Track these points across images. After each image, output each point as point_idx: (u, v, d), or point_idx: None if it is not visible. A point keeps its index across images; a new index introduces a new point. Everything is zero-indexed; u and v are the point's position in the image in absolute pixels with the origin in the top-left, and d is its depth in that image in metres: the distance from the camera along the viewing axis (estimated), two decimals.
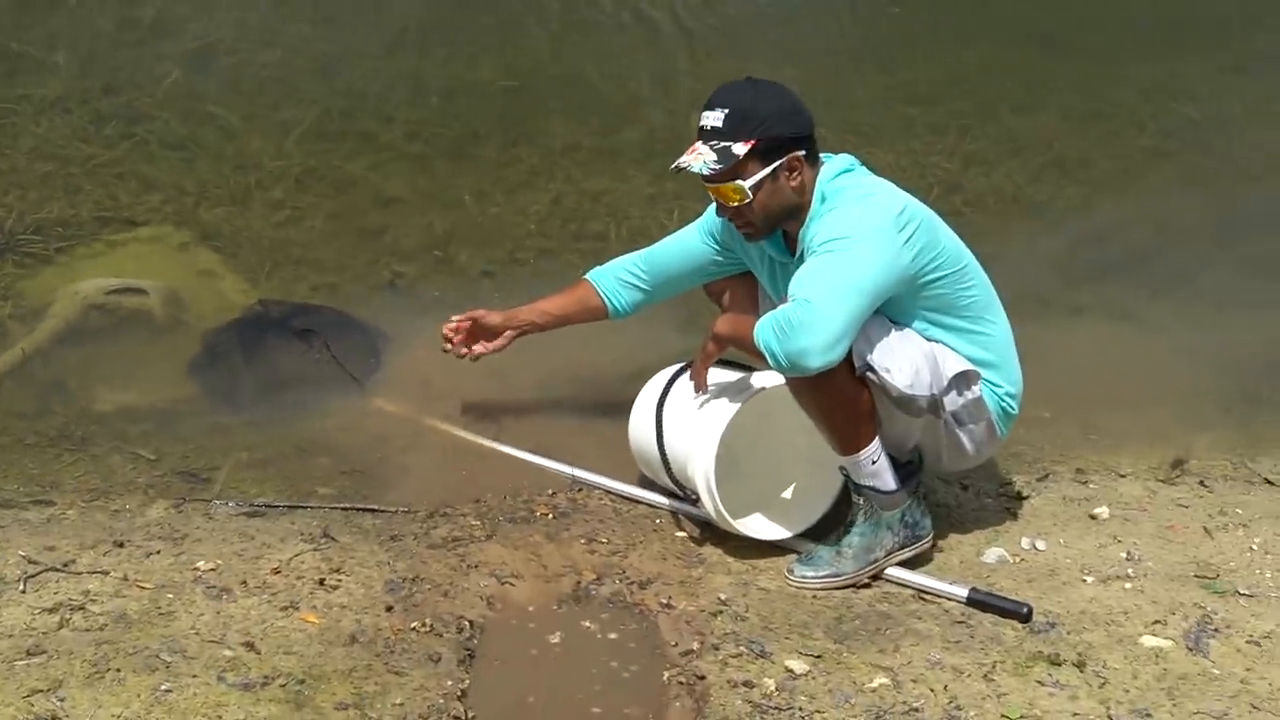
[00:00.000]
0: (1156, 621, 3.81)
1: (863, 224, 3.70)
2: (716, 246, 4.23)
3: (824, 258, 3.66)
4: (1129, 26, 8.66)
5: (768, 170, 3.75)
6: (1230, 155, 7.18)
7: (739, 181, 3.76)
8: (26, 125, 6.91)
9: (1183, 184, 6.81)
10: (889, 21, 8.94)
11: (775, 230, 3.93)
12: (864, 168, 3.92)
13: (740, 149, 3.72)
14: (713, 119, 3.74)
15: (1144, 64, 8.15)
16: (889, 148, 6.91)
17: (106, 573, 3.85)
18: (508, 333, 4.52)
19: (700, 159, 3.74)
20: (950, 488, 4.42)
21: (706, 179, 3.78)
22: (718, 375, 4.23)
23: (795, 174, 3.78)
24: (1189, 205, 6.55)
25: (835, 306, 3.58)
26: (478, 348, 4.52)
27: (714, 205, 4.00)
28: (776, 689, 3.52)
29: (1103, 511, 4.33)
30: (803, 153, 3.79)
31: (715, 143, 3.74)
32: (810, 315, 3.55)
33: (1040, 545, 4.16)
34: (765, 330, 3.60)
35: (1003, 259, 5.38)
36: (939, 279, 3.85)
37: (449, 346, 4.52)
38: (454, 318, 4.53)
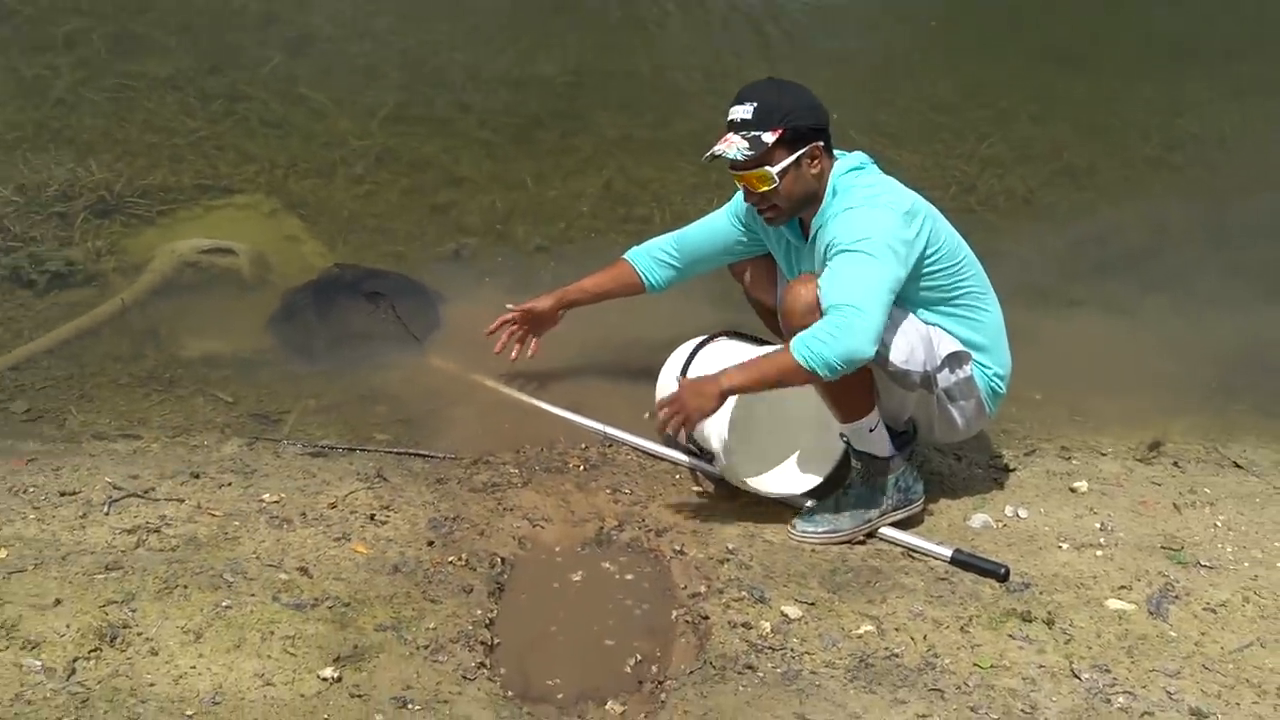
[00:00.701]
0: (1122, 587, 3.79)
1: (879, 225, 3.69)
2: (741, 229, 4.22)
3: (849, 260, 3.65)
4: (1140, 48, 8.55)
5: (792, 158, 3.76)
6: (1227, 169, 7.08)
7: (767, 168, 3.77)
8: (140, 100, 6.95)
9: (1182, 193, 6.73)
10: (927, 35, 8.88)
11: (795, 215, 3.92)
12: (874, 165, 3.90)
13: (769, 137, 3.73)
14: (742, 112, 3.75)
15: (1152, 82, 8.05)
16: (913, 149, 6.86)
17: (182, 500, 3.90)
18: (560, 311, 4.54)
19: (734, 146, 3.76)
20: (944, 457, 4.40)
21: (737, 166, 3.79)
22: (735, 347, 4.24)
23: (816, 162, 3.79)
24: (1186, 213, 6.47)
25: (871, 305, 3.60)
26: (533, 343, 4.57)
27: (740, 192, 3.99)
28: (772, 631, 3.53)
29: (1082, 485, 4.31)
30: (822, 143, 3.79)
31: (746, 132, 3.75)
32: (851, 318, 3.57)
33: (1022, 513, 4.15)
34: (810, 346, 3.59)
35: (1009, 254, 5.38)
36: (939, 269, 3.85)
37: (499, 348, 4.58)
38: (510, 307, 4.54)
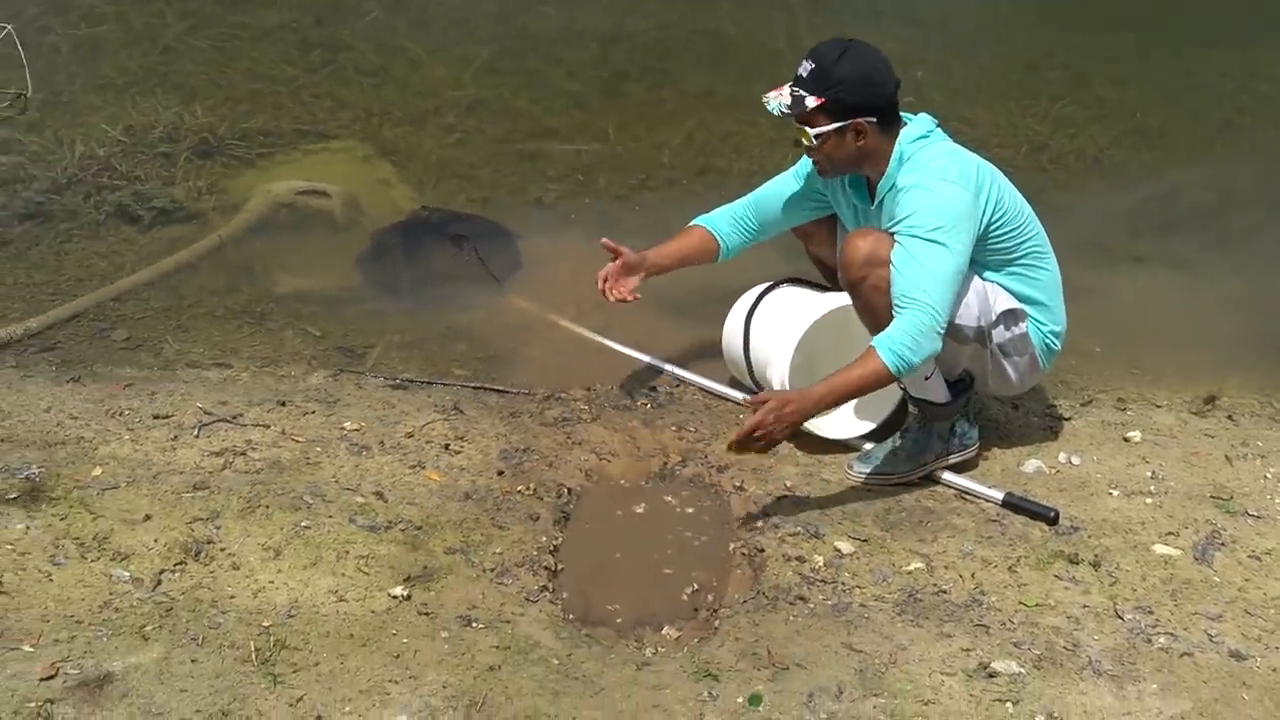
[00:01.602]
0: (1169, 533, 3.75)
1: (953, 209, 3.64)
2: (809, 190, 4.16)
3: (925, 251, 3.60)
4: (1217, 13, 8.37)
5: (833, 127, 3.70)
6: None
7: (807, 128, 3.73)
8: (244, 49, 7.04)
9: (1250, 155, 6.58)
10: (1009, 2, 8.77)
11: (843, 174, 3.90)
12: (939, 130, 3.83)
13: (811, 101, 3.68)
14: (802, 68, 3.70)
15: (1226, 47, 7.88)
16: (986, 106, 6.78)
17: (268, 426, 3.96)
18: (642, 274, 4.30)
19: (779, 99, 3.73)
20: (1001, 406, 4.36)
21: (781, 115, 3.75)
22: (799, 293, 4.23)
23: (861, 136, 3.72)
24: (1253, 175, 6.33)
25: (945, 304, 3.61)
26: (623, 292, 4.25)
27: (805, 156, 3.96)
28: (824, 564, 3.54)
29: (1136, 435, 4.25)
30: (873, 119, 3.71)
31: (795, 90, 3.71)
32: (929, 321, 3.57)
33: (1075, 461, 4.10)
34: (900, 355, 3.56)
35: (1077, 211, 5.33)
36: (1004, 233, 3.79)
37: (604, 293, 4.29)
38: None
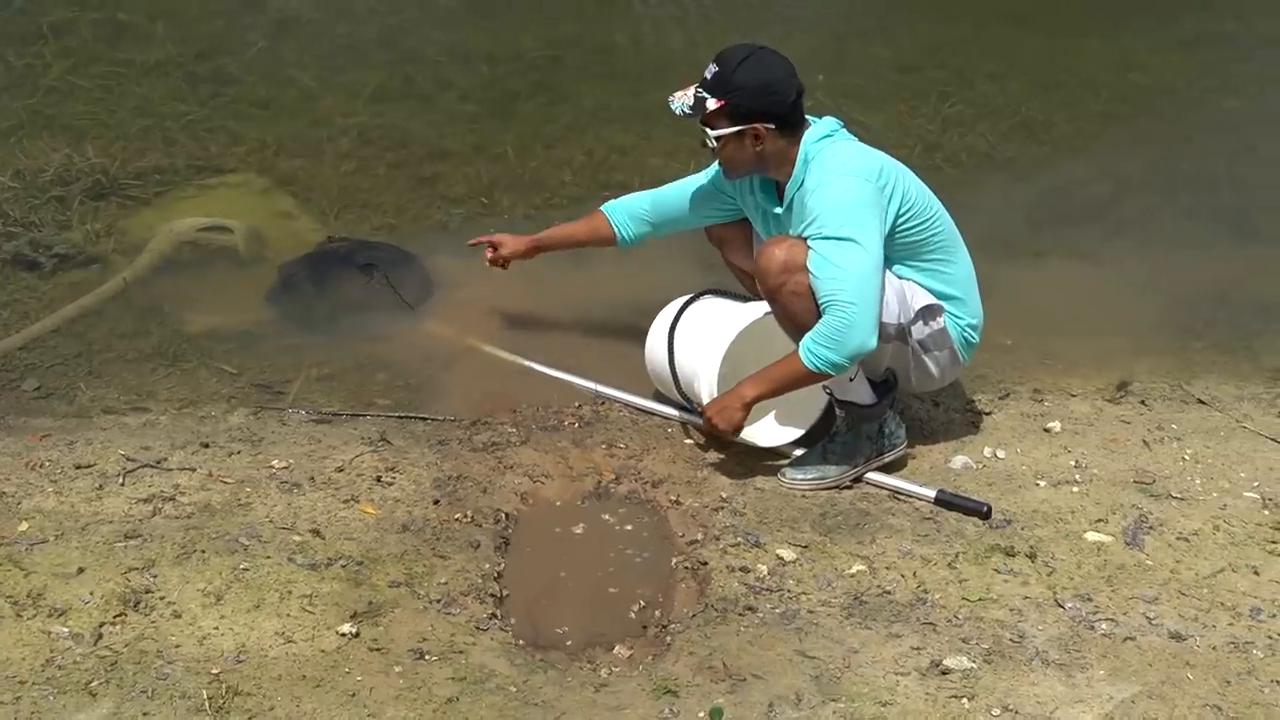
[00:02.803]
0: (1099, 520, 3.81)
1: (859, 204, 3.68)
2: (718, 193, 4.19)
3: (836, 249, 3.63)
4: (1086, 5, 8.59)
5: (732, 130, 3.75)
6: (1175, 120, 7.11)
7: (708, 129, 3.78)
8: (130, 86, 6.90)
9: (1134, 144, 6.74)
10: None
11: (745, 175, 3.95)
12: (844, 130, 3.87)
13: (712, 104, 3.73)
14: (708, 70, 3.76)
15: (1101, 39, 8.08)
16: (878, 110, 6.84)
17: (194, 469, 3.88)
18: (530, 248, 4.57)
19: (683, 100, 3.78)
20: (923, 404, 4.40)
21: (682, 116, 3.80)
22: (720, 304, 4.24)
23: (759, 142, 3.76)
24: (1140, 162, 6.48)
25: (866, 297, 3.65)
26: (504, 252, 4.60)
27: None
28: (769, 573, 3.55)
29: (1055, 426, 4.31)
30: (771, 125, 3.74)
31: (699, 91, 3.75)
32: (851, 316, 3.61)
33: (1000, 454, 4.16)
34: (815, 352, 3.65)
35: (975, 208, 5.35)
36: (910, 226, 3.83)
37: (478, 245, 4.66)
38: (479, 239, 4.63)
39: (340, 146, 6.39)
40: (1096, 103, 7.30)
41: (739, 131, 3.75)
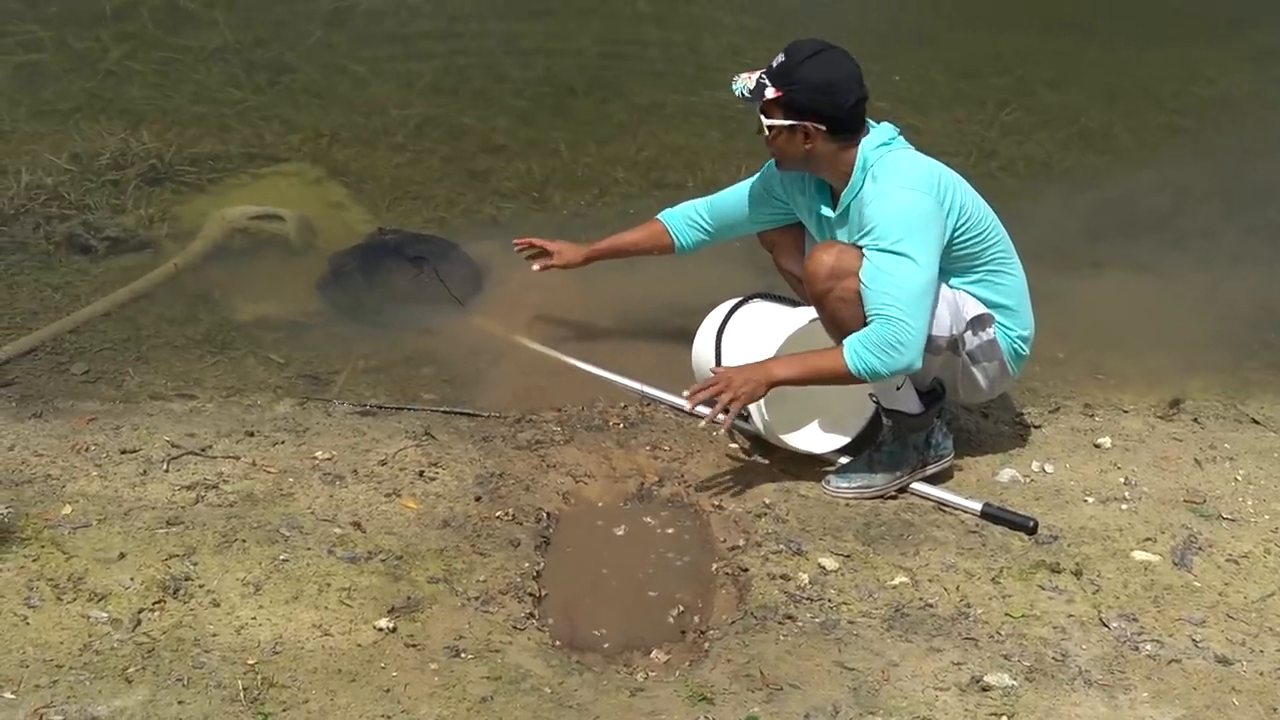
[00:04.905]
0: (1147, 539, 3.77)
1: (918, 219, 3.64)
2: (772, 198, 4.17)
3: (891, 263, 3.60)
4: (1151, 16, 8.49)
5: (785, 123, 3.74)
6: (1239, 133, 7.02)
7: (763, 118, 3.78)
8: (188, 72, 6.95)
9: (1196, 156, 6.65)
10: (947, 4, 8.85)
11: (795, 171, 3.94)
12: (900, 138, 3.83)
13: (770, 93, 3.73)
14: (776, 58, 3.75)
15: (1164, 50, 7.99)
16: (935, 116, 6.80)
17: (238, 458, 3.90)
18: (585, 259, 4.58)
19: (745, 82, 3.78)
20: (972, 415, 4.37)
21: (741, 99, 3.80)
22: (769, 309, 4.22)
23: (809, 140, 3.74)
24: (1201, 176, 6.40)
25: (918, 316, 3.61)
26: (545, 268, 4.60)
27: (772, 160, 3.96)
28: (810, 582, 3.53)
29: (1106, 442, 4.27)
30: (822, 126, 3.72)
31: (762, 77, 3.75)
32: (901, 333, 3.58)
33: (1049, 468, 4.12)
34: (860, 354, 3.61)
35: (1031, 218, 5.32)
36: (968, 239, 3.79)
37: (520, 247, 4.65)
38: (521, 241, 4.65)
39: (394, 138, 6.41)
40: (1159, 114, 7.23)
41: (791, 126, 3.74)
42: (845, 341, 3.64)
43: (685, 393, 3.72)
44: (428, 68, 7.19)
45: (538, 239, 4.62)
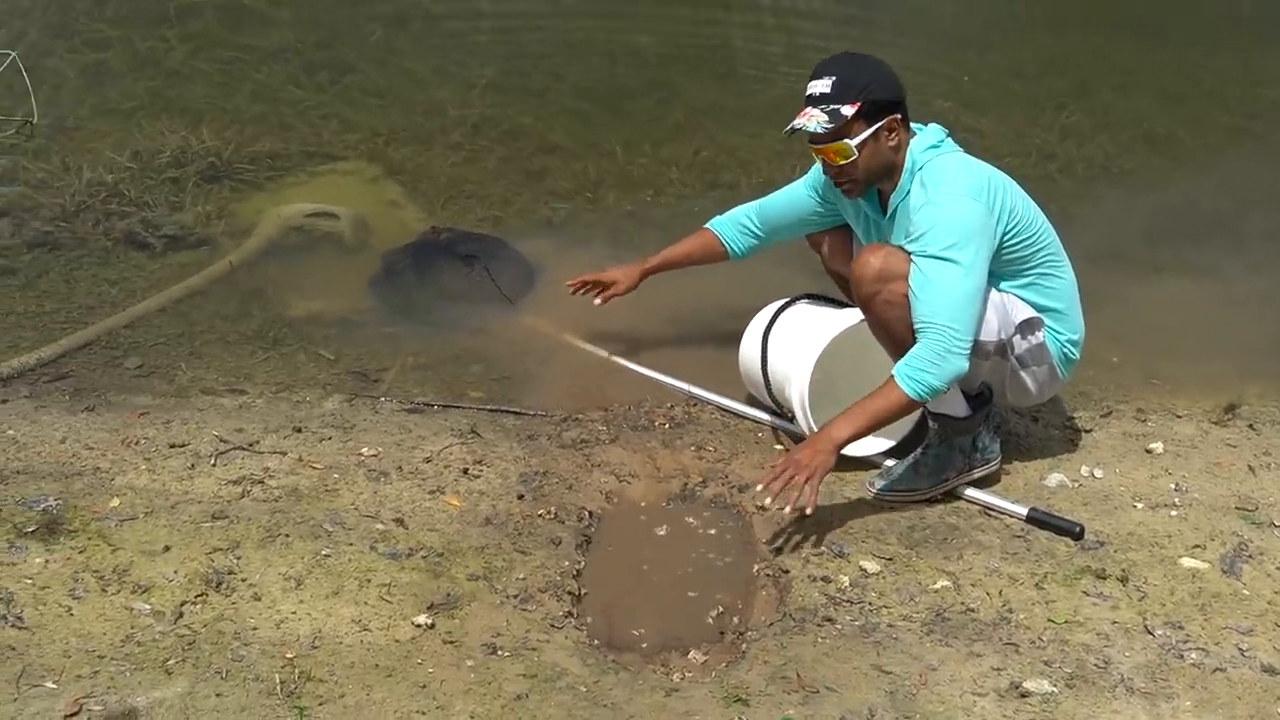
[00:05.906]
0: (1196, 546, 3.71)
1: (967, 226, 3.60)
2: (820, 200, 4.15)
3: (940, 270, 3.57)
4: (1218, 19, 8.39)
5: (870, 131, 3.67)
6: None
7: (846, 141, 3.67)
8: (249, 71, 7.03)
9: (1263, 161, 6.54)
10: (1007, 5, 8.78)
11: (872, 187, 3.85)
12: (950, 140, 3.80)
13: (848, 110, 3.64)
14: (821, 86, 3.66)
15: (1230, 52, 7.90)
16: (994, 118, 6.76)
17: (285, 453, 3.93)
18: (641, 278, 4.53)
19: (814, 120, 3.66)
20: (1021, 419, 4.32)
21: (817, 140, 3.69)
22: (816, 310, 4.20)
23: (893, 134, 3.70)
24: (1268, 181, 6.30)
25: (965, 324, 3.59)
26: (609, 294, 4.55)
27: (819, 163, 3.93)
28: (850, 584, 3.50)
29: (1157, 447, 4.21)
30: (899, 115, 3.70)
31: (825, 106, 3.66)
32: (950, 342, 3.56)
33: (1098, 473, 4.07)
34: (915, 377, 3.57)
35: (1089, 221, 5.28)
36: (1018, 242, 3.75)
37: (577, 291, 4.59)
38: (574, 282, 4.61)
39: (451, 137, 6.44)
40: (1223, 117, 7.14)
41: (875, 131, 3.69)
42: (895, 372, 3.60)
43: (758, 487, 3.62)
44: (487, 68, 7.23)
45: (589, 274, 4.58)
